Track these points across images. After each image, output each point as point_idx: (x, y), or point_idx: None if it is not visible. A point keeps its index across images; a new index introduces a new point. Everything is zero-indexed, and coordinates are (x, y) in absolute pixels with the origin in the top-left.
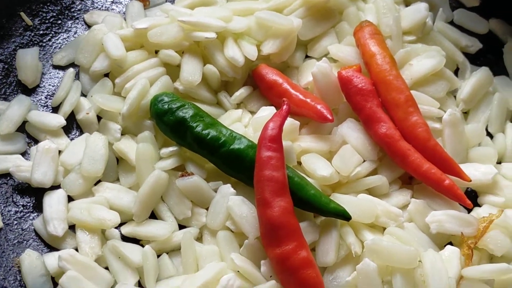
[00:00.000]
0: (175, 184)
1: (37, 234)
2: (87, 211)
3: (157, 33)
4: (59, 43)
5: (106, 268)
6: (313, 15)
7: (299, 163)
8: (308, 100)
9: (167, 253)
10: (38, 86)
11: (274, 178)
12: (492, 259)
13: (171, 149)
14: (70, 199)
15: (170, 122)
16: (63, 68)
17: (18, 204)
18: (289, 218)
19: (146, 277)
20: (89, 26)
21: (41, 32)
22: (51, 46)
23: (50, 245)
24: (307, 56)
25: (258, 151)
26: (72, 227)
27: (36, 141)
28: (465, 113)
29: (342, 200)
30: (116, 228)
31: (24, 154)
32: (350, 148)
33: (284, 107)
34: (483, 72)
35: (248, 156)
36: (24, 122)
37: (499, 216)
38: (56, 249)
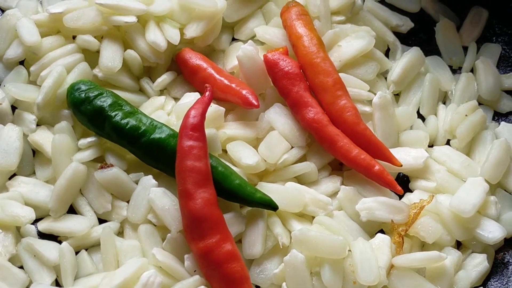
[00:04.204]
0: (94, 177)
1: None
2: (0, 207)
3: (73, 18)
4: None
5: (21, 267)
6: None
7: (225, 151)
8: (233, 85)
9: (86, 250)
10: None
11: (196, 168)
12: (423, 246)
13: (89, 139)
14: None
15: (88, 112)
16: None
17: None
18: (213, 210)
19: (63, 275)
20: (3, 10)
21: None
22: None
23: None
24: (234, 39)
25: (179, 140)
26: None
27: None
28: (397, 95)
29: (269, 189)
30: (32, 224)
31: None
32: (277, 134)
33: (207, 93)
34: (414, 52)
35: (169, 145)
36: None
37: (430, 202)
38: None
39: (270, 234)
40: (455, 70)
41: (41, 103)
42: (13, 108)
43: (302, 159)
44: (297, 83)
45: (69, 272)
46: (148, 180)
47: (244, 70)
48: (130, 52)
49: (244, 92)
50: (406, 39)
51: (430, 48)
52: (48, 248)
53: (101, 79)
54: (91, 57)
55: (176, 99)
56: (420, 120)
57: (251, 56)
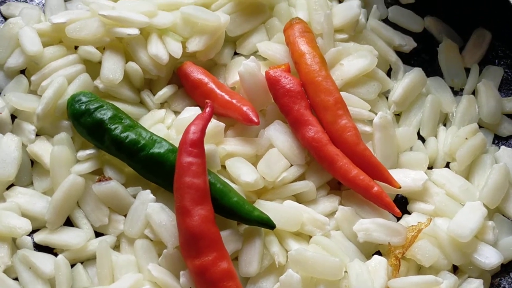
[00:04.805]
0: (91, 189)
1: None
2: None
3: (76, 28)
4: None
5: (16, 279)
6: (242, 10)
7: (224, 167)
8: (234, 101)
9: (82, 263)
10: None
11: (195, 185)
12: (420, 270)
13: (88, 152)
14: None
15: (88, 124)
16: None
17: None
18: (210, 227)
19: None
20: (5, 18)
21: None
22: None
23: None
24: (236, 53)
25: (178, 156)
26: None
27: None
28: (397, 115)
29: (267, 207)
30: (29, 235)
31: None
32: (277, 152)
33: (207, 109)
34: (416, 73)
35: (168, 160)
36: None
37: (427, 225)
38: None
39: (266, 252)
40: (457, 92)
41: (41, 113)
42: (13, 117)
43: (300, 177)
44: (298, 101)
45: (64, 285)
46: (146, 195)
47: (245, 86)
48: (132, 64)
49: (244, 108)
50: (409, 59)
51: (432, 69)
52: (44, 261)
53: (102, 90)
54: (93, 68)
55: (177, 113)
56: (420, 142)
57: (252, 72)
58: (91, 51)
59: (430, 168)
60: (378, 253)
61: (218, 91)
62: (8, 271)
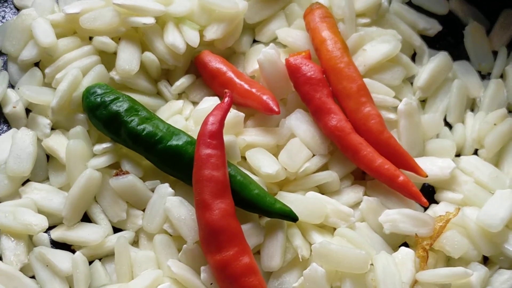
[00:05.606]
0: (109, 184)
1: None
2: (12, 215)
3: (90, 18)
4: None
5: (33, 277)
6: None
7: (244, 158)
8: (254, 90)
9: (100, 260)
10: None
11: (214, 178)
12: (449, 261)
13: (104, 145)
14: None
15: (103, 117)
16: None
17: None
18: (230, 221)
19: (76, 286)
20: (18, 9)
21: None
22: None
23: None
24: (255, 41)
25: (197, 148)
26: None
27: None
28: (423, 102)
29: (289, 199)
30: (45, 232)
31: None
32: (299, 141)
33: (226, 99)
34: (441, 57)
35: (187, 153)
36: None
37: (456, 215)
38: None
39: (289, 246)
40: (484, 76)
41: (56, 107)
42: (27, 111)
43: (323, 167)
44: (320, 89)
45: (82, 283)
46: (165, 189)
47: (265, 75)
48: (148, 55)
49: (264, 97)
50: (433, 42)
51: (458, 53)
52: (61, 258)
53: (118, 82)
54: (108, 59)
55: (195, 103)
56: (447, 128)
57: (272, 60)
58: (106, 42)
59: (457, 155)
60: (405, 244)
61: (237, 80)
62: (25, 269)
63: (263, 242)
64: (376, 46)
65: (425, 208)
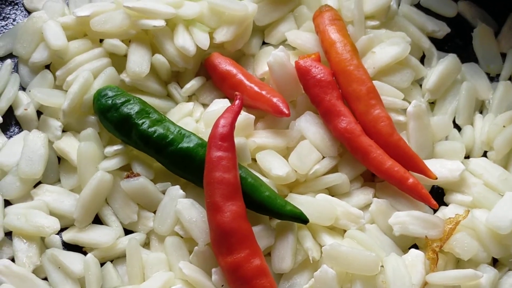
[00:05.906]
0: (120, 186)
1: None
2: (25, 217)
3: (100, 21)
4: None
5: (45, 278)
6: None
7: (254, 160)
8: (264, 92)
9: (112, 261)
10: None
11: (225, 180)
12: (458, 263)
13: (115, 147)
14: (7, 203)
15: (114, 119)
16: (0, 59)
17: None
18: (241, 223)
19: None
20: (29, 12)
21: None
22: None
23: None
24: (264, 43)
25: (208, 150)
26: (9, 234)
27: None
28: (432, 104)
29: (299, 201)
30: (57, 233)
31: None
32: (308, 144)
33: (237, 102)
34: (450, 60)
35: (198, 155)
36: None
37: (465, 217)
38: None
39: (300, 248)
40: (493, 78)
41: (67, 109)
42: (39, 113)
43: (333, 170)
44: (330, 91)
45: (94, 284)
46: (176, 191)
47: (275, 77)
48: (158, 57)
49: (274, 99)
50: (442, 45)
51: (466, 55)
52: (73, 260)
53: (128, 84)
54: (118, 61)
55: (205, 105)
56: (456, 130)
57: (282, 63)
58: (117, 44)
59: (467, 157)
60: (415, 246)
61: (247, 82)
62: (37, 271)
63: (273, 244)
64: (385, 48)
65: (435, 211)
